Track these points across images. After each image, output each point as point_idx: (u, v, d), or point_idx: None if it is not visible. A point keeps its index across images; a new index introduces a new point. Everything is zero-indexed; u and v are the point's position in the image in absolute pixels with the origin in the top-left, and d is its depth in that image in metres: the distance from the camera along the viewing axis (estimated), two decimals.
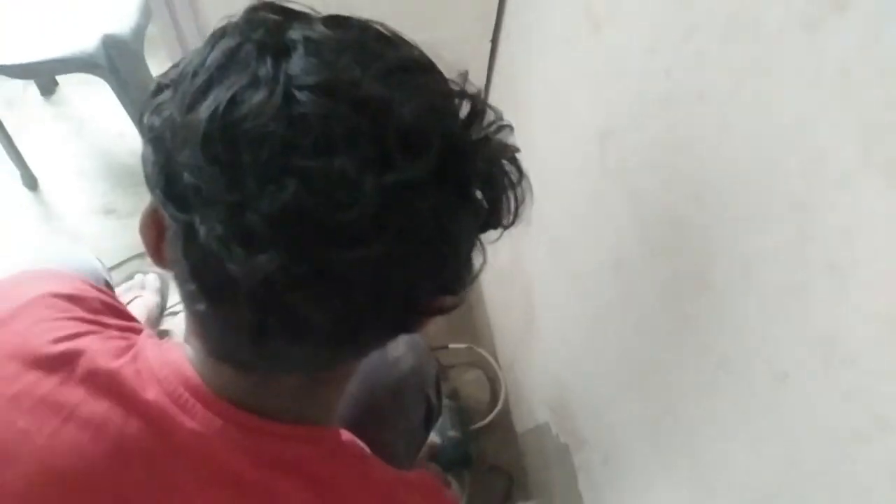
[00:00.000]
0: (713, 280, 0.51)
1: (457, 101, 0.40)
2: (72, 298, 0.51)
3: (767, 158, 0.43)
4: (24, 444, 0.43)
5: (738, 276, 0.48)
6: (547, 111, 0.84)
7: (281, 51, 0.36)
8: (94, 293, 0.54)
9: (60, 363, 0.45)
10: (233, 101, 0.34)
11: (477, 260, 0.43)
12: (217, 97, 0.35)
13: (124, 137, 1.71)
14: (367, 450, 0.53)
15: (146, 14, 1.38)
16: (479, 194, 0.40)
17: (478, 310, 1.33)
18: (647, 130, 0.59)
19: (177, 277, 0.40)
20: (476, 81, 0.42)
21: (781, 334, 0.45)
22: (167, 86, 0.38)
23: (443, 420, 1.09)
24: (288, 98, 0.34)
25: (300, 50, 0.36)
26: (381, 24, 0.40)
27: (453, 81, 0.41)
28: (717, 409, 0.54)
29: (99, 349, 0.46)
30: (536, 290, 0.96)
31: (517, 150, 0.42)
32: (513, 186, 0.41)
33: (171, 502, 0.44)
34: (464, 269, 0.42)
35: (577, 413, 0.86)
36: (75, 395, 0.44)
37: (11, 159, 1.59)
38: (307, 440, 0.48)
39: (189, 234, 0.36)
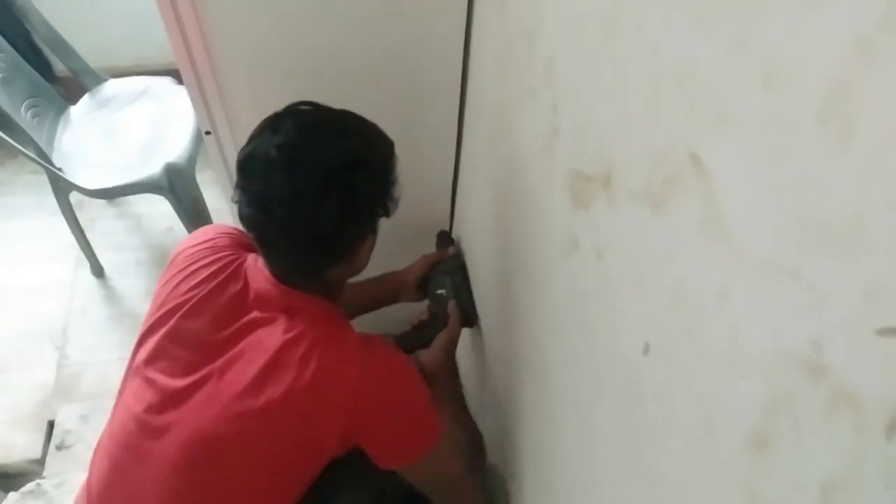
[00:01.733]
0: None
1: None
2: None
3: None
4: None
5: None
6: None
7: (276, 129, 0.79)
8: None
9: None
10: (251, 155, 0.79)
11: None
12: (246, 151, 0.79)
13: (172, 231, 2.10)
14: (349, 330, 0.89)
15: (198, 144, 1.77)
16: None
17: None
18: None
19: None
20: None
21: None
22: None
23: (453, 288, 1.19)
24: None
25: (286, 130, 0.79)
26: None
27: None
28: None
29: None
30: (489, 364, 1.29)
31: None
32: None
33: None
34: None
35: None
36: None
37: (83, 251, 1.97)
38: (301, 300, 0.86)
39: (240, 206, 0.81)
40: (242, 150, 0.81)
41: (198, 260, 0.91)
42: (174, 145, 1.75)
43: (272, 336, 0.82)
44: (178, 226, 1.88)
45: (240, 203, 0.81)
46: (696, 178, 0.42)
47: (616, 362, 0.60)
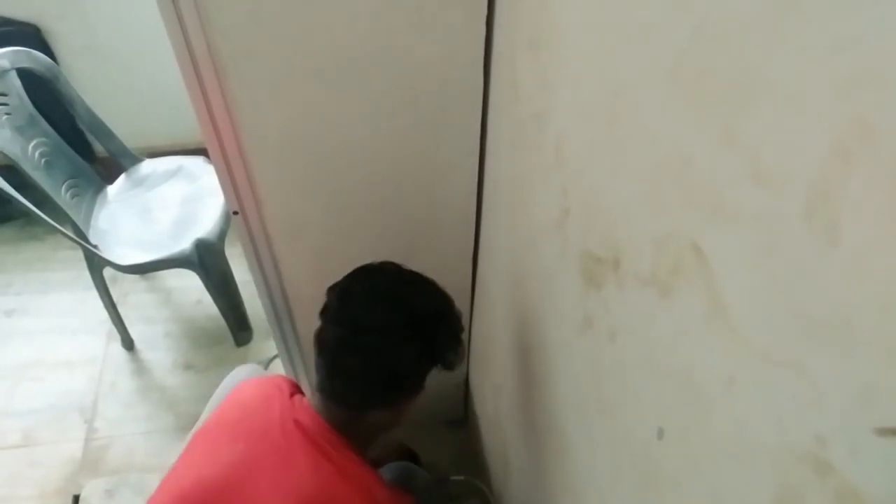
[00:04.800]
0: None
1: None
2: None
3: None
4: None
5: None
6: None
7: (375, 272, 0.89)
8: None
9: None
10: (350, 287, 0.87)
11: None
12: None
13: (202, 304, 2.14)
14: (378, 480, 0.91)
15: (227, 220, 1.83)
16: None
17: (477, 448, 1.64)
18: None
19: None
20: None
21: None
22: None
23: None
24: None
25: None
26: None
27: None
28: None
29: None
30: (509, 441, 1.28)
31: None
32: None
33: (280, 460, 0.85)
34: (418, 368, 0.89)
35: None
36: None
37: (115, 325, 2.02)
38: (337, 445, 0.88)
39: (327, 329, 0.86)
40: (337, 285, 0.89)
41: (249, 398, 0.95)
42: (205, 221, 1.80)
43: (305, 472, 0.84)
44: (207, 299, 1.92)
45: (325, 324, 0.87)
46: (699, 267, 0.43)
47: (633, 445, 0.59)
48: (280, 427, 0.87)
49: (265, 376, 1.04)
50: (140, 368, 2.00)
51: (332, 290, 0.89)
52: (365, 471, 0.89)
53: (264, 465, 0.84)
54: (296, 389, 1.00)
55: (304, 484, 0.82)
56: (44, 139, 1.77)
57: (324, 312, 0.88)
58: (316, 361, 0.89)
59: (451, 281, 1.31)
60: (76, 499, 1.70)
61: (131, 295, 2.18)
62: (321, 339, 0.87)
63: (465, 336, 0.92)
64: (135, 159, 2.03)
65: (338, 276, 0.91)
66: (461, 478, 1.46)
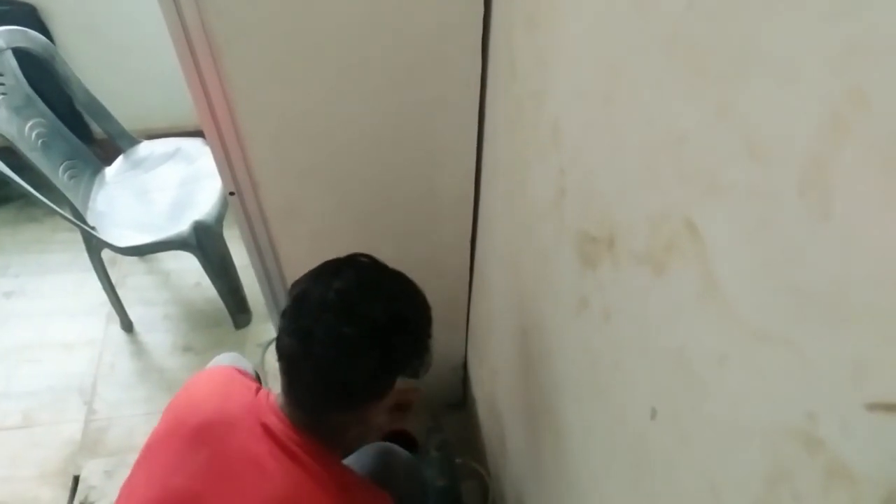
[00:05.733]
0: None
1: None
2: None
3: None
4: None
5: None
6: None
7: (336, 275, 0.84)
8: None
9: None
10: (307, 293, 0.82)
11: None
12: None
13: (200, 286, 2.14)
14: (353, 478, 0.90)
15: (225, 202, 1.82)
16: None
17: (476, 431, 1.65)
18: None
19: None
20: None
21: None
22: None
23: (431, 470, 1.23)
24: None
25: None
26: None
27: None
28: None
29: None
30: (506, 424, 1.28)
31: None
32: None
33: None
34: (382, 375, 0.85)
35: None
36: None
37: (113, 307, 2.02)
38: (304, 445, 0.85)
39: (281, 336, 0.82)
40: (298, 284, 0.85)
41: (205, 398, 0.92)
42: (203, 204, 1.80)
43: (275, 477, 0.83)
44: (206, 281, 1.92)
45: (282, 333, 0.83)
46: (693, 243, 0.42)
47: (627, 425, 0.59)
48: (247, 431, 0.85)
49: (216, 369, 1.01)
50: (139, 350, 2.01)
51: (293, 289, 0.86)
52: (337, 472, 0.88)
53: (233, 473, 0.82)
54: (256, 382, 0.98)
55: (277, 489, 0.81)
56: (41, 120, 1.76)
57: (282, 316, 0.85)
58: (279, 364, 0.86)
59: (448, 265, 1.31)
60: (76, 479, 1.71)
61: (130, 277, 2.18)
62: (278, 346, 0.84)
63: (432, 343, 0.88)
64: (132, 141, 2.02)
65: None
66: (460, 461, 1.46)
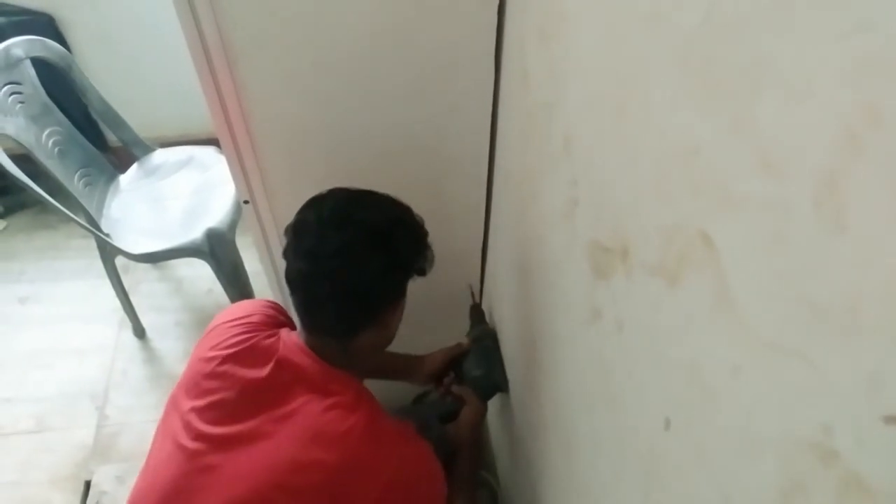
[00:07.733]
0: None
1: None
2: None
3: None
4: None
5: None
6: None
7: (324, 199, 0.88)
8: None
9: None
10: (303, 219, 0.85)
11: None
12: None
13: (213, 293, 2.15)
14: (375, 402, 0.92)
15: (238, 210, 1.84)
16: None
17: (486, 440, 1.65)
18: None
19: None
20: None
21: None
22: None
23: (467, 363, 1.22)
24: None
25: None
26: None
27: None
28: None
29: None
30: (516, 433, 1.28)
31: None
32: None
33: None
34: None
35: None
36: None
37: (126, 313, 2.03)
38: (339, 380, 0.88)
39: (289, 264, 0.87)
40: (293, 221, 0.89)
41: (232, 335, 0.93)
42: (216, 211, 1.81)
43: (310, 415, 0.84)
44: (218, 288, 1.93)
45: (288, 262, 0.87)
46: (707, 255, 0.42)
47: (639, 436, 0.59)
48: (277, 371, 0.88)
49: (251, 315, 1.01)
50: (151, 357, 2.02)
51: (287, 229, 0.89)
52: (366, 400, 0.90)
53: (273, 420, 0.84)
54: (278, 316, 1.01)
55: (311, 425, 0.83)
56: (57, 128, 1.78)
57: (285, 253, 0.88)
58: (292, 301, 0.89)
59: (460, 274, 1.31)
60: (87, 484, 1.72)
61: (143, 283, 2.20)
62: (287, 277, 0.87)
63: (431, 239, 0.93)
64: (147, 149, 2.04)
65: None
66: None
